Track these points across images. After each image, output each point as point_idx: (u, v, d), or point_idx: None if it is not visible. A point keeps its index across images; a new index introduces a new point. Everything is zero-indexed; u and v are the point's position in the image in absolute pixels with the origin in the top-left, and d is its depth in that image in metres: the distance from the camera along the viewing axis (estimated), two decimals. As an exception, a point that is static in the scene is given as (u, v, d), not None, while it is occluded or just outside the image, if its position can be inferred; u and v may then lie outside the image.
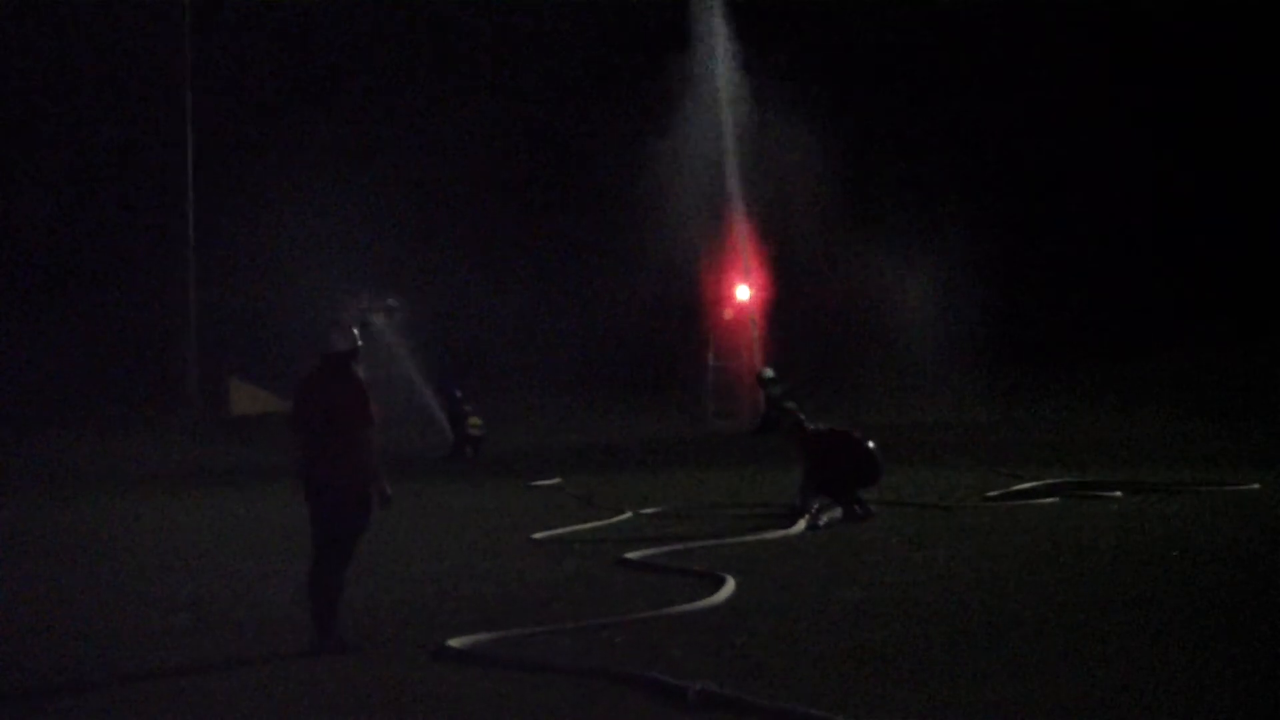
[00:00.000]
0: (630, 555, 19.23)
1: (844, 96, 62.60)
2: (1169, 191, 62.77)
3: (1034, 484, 26.64)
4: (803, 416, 24.64)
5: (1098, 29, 64.84)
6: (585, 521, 23.89)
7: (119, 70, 65.75)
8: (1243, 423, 39.51)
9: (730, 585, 16.37)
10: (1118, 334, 59.97)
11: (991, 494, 25.89)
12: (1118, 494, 25.10)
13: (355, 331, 14.47)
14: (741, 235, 52.94)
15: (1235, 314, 57.89)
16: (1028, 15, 64.89)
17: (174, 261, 61.73)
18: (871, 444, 24.00)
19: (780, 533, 21.64)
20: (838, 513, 23.17)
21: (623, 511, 25.03)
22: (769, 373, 45.27)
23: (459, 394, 42.22)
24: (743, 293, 52.97)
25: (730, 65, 53.16)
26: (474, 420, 41.38)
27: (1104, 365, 56.81)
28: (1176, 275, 61.24)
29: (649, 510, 25.31)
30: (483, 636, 14.02)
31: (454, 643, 13.69)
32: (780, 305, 53.55)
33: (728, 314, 53.30)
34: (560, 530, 22.67)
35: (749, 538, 21.14)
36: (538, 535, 22.06)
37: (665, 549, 19.85)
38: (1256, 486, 25.48)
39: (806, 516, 22.73)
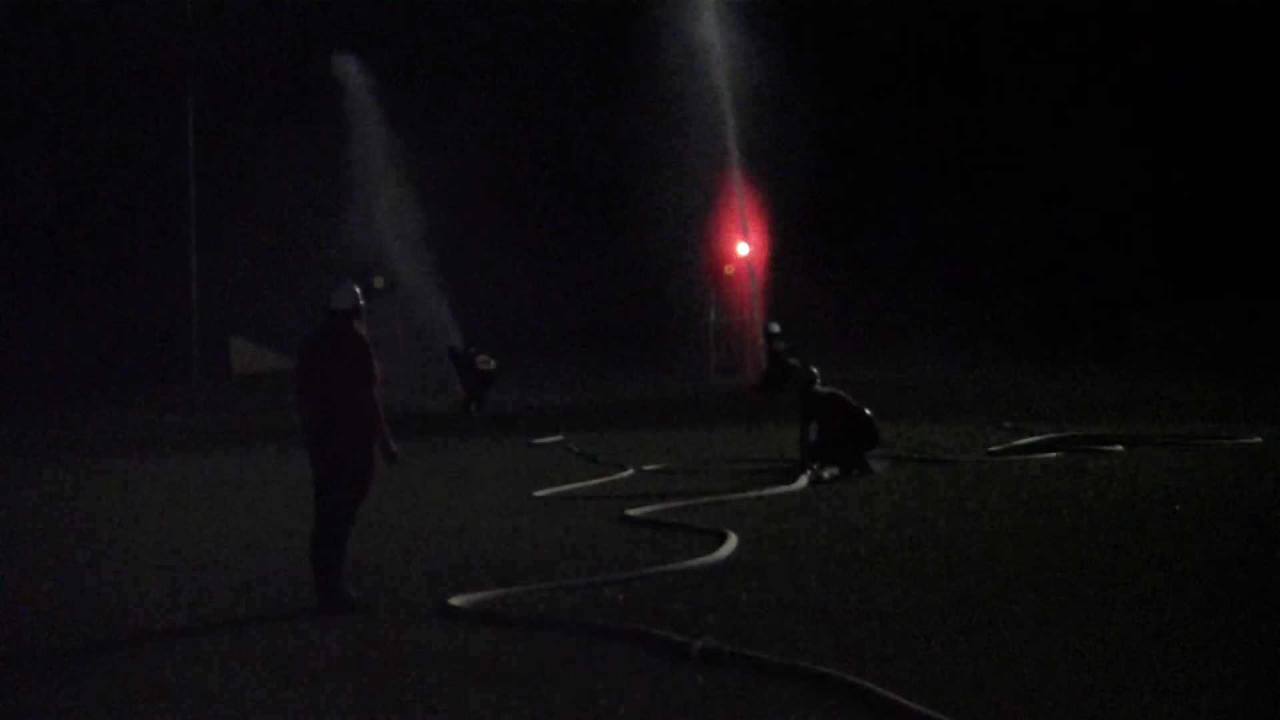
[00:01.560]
0: (632, 512, 19.25)
1: (847, 75, 62.63)
2: (1172, 158, 62.77)
3: (1036, 438, 26.64)
4: (815, 372, 24.64)
5: (1095, 12, 64.81)
6: (587, 479, 23.91)
7: (121, 68, 65.69)
8: (1243, 385, 39.49)
9: (732, 541, 16.38)
10: (1120, 297, 59.96)
11: (994, 448, 25.91)
12: (1119, 448, 25.10)
13: (357, 290, 14.48)
14: (740, 192, 52.90)
15: (1237, 278, 57.86)
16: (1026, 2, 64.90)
17: (175, 255, 61.69)
18: (867, 410, 24.03)
19: (782, 489, 21.66)
20: (837, 469, 23.21)
21: (625, 468, 25.05)
22: (775, 328, 45.21)
23: (457, 346, 42.04)
24: (743, 249, 52.91)
25: (727, 26, 53.01)
26: (483, 357, 40.99)
27: (1106, 328, 56.82)
28: (1178, 241, 61.23)
29: (651, 467, 25.32)
30: (485, 594, 14.04)
31: (456, 601, 13.71)
32: (781, 260, 53.56)
33: (729, 270, 53.26)
34: (562, 488, 22.69)
35: (751, 494, 21.15)
36: (540, 493, 22.08)
37: (667, 506, 19.88)
38: (1258, 440, 25.49)
39: (808, 472, 22.77)
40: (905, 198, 64.38)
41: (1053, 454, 24.90)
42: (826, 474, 22.93)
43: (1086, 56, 64.24)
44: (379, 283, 49.50)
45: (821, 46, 60.40)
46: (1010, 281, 61.22)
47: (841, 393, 24.62)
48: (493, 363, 41.12)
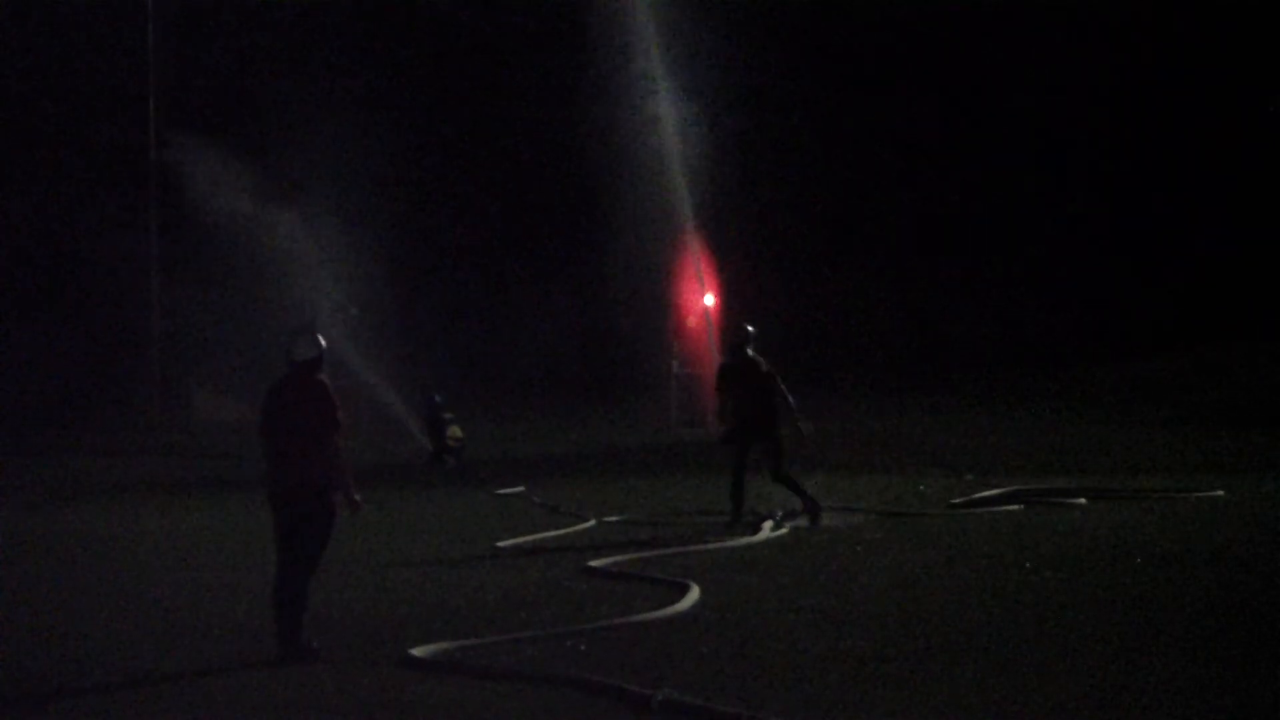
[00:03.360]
0: (594, 563, 19.22)
1: (824, 94, 62.67)
2: (1155, 197, 62.97)
3: (998, 491, 26.67)
4: (751, 330, 24.77)
5: (1091, 28, 64.87)
6: (549, 529, 23.86)
7: (116, 72, 65.33)
8: (1207, 434, 39.59)
9: (695, 593, 16.38)
10: (1104, 340, 60.09)
11: (956, 501, 25.94)
12: (1081, 501, 25.16)
13: (321, 339, 14.48)
14: (694, 246, 52.90)
15: (1222, 320, 58.04)
16: (1017, 14, 64.73)
17: (137, 296, 61.24)
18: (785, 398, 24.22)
19: (745, 539, 21.66)
20: (779, 515, 23.40)
21: (587, 519, 25.00)
22: None
23: (438, 399, 41.67)
24: (708, 299, 52.93)
25: (671, 64, 53.00)
26: (454, 431, 40.69)
27: (1088, 371, 56.94)
28: (1166, 281, 61.41)
29: (613, 518, 25.28)
30: (447, 644, 14.01)
31: (418, 651, 13.68)
32: (749, 310, 53.53)
33: (691, 321, 53.24)
34: (525, 538, 22.63)
35: (713, 545, 21.14)
36: (502, 543, 22.02)
37: (629, 556, 19.86)
38: (1220, 493, 25.58)
39: (769, 523, 22.88)
40: (867, 242, 64.51)
41: (1015, 507, 24.95)
42: (768, 526, 22.88)
43: (1070, 90, 64.34)
44: (354, 312, 49.12)
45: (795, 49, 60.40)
46: (973, 329, 61.35)
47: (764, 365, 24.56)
48: (461, 439, 40.85)
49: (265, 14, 66.45)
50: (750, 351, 24.36)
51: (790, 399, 24.18)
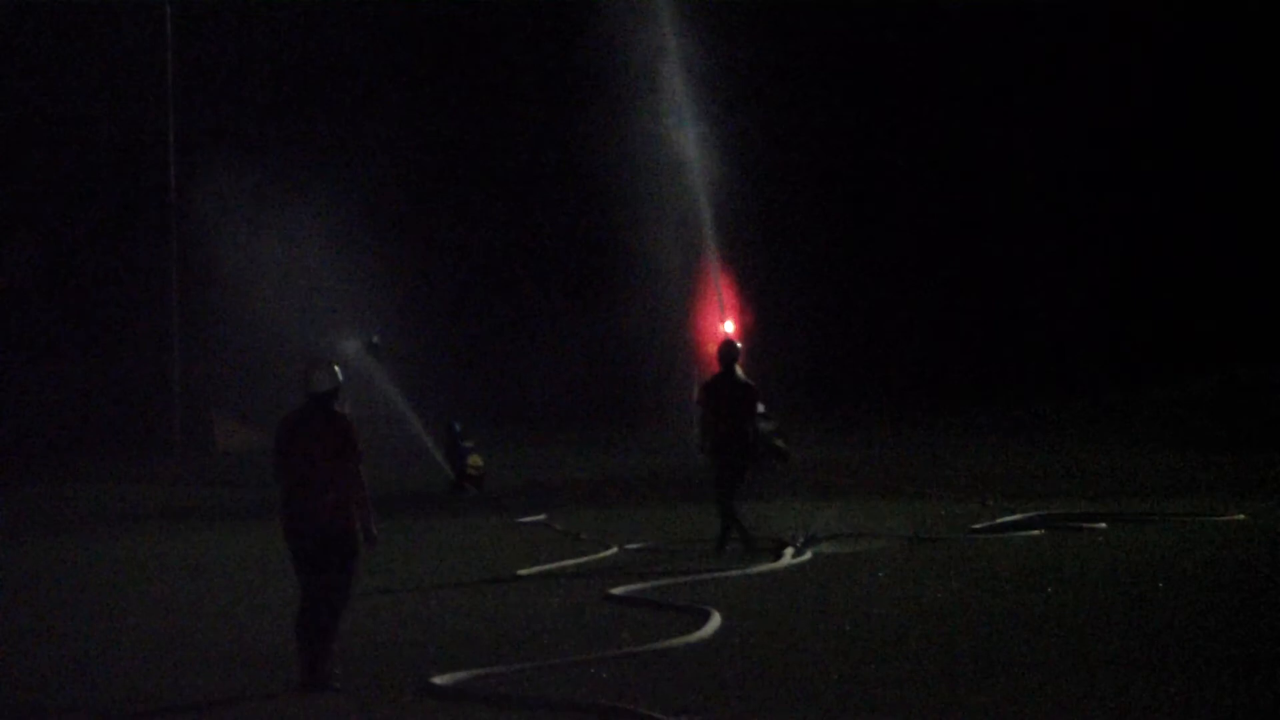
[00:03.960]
0: (616, 590, 19.22)
1: (813, 111, 62.62)
2: (1155, 217, 62.80)
3: (1019, 516, 26.63)
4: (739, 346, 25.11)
5: (1077, 41, 64.70)
6: (571, 557, 23.86)
7: (113, 79, 65.33)
8: (1227, 457, 39.51)
9: (716, 620, 16.37)
10: (1117, 363, 59.93)
11: (977, 526, 25.90)
12: (1102, 525, 25.12)
13: (337, 370, 14.49)
14: (716, 270, 52.84)
15: (1221, 344, 57.90)
16: (999, 27, 64.45)
17: (157, 324, 61.15)
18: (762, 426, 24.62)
19: (766, 566, 21.65)
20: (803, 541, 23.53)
21: (608, 547, 24.99)
22: (760, 407, 44.94)
23: (457, 427, 41.58)
24: (729, 326, 52.85)
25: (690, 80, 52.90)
26: (474, 460, 40.54)
27: (1099, 394, 56.82)
28: (1165, 306, 61.26)
29: (634, 545, 25.26)
30: (468, 673, 14.01)
31: (439, 679, 13.68)
32: (762, 337, 53.51)
33: (712, 348, 53.12)
34: (546, 566, 22.63)
35: (734, 572, 21.14)
36: (524, 571, 22.02)
37: (651, 584, 19.85)
38: (1241, 517, 25.52)
39: (790, 550, 22.88)
40: (878, 263, 64.42)
41: (1036, 532, 24.92)
42: (789, 552, 22.88)
43: (1074, 103, 64.11)
44: (375, 340, 49.01)
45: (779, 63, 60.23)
46: (987, 353, 61.22)
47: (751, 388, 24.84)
48: (482, 467, 40.70)
49: (265, 14, 66.40)
50: (739, 370, 24.59)
51: (757, 428, 24.60)
